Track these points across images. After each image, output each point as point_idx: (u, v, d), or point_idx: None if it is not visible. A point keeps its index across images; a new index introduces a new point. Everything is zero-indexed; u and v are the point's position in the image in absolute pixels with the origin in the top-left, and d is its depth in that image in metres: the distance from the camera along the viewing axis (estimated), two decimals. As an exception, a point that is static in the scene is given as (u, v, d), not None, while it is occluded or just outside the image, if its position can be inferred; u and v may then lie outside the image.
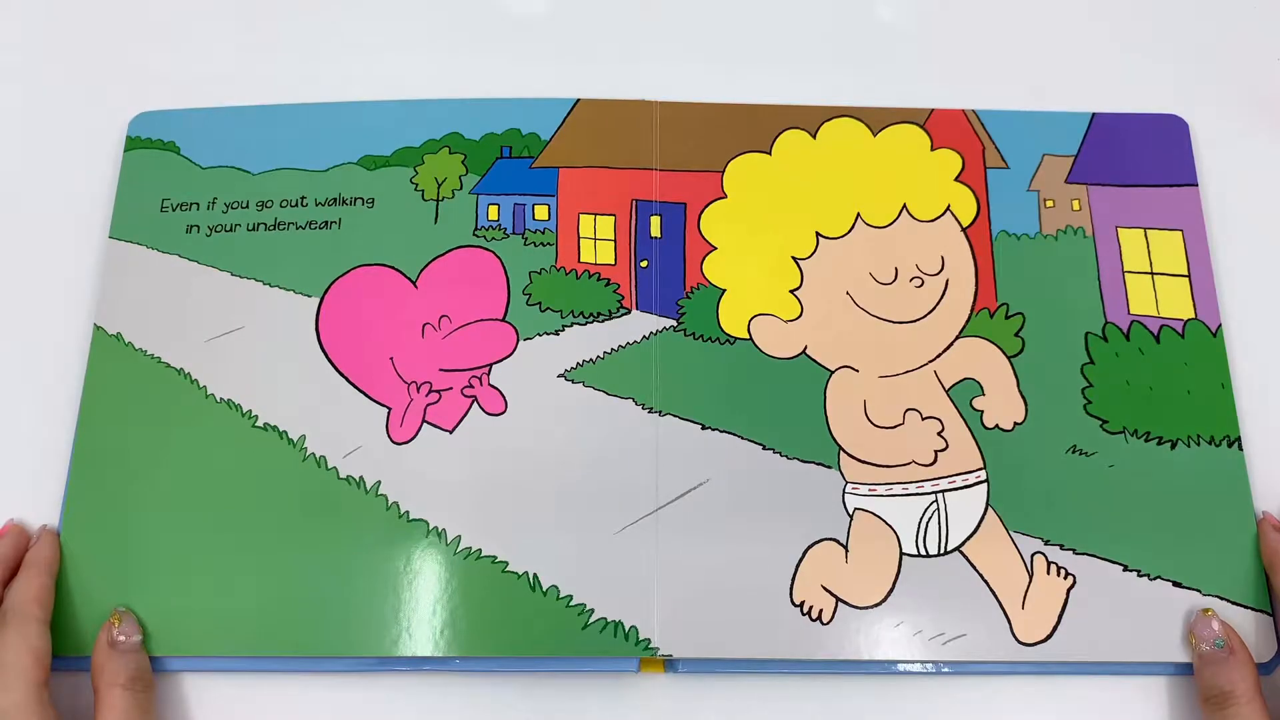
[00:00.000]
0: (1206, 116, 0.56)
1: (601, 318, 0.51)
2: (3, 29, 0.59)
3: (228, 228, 0.52)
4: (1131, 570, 0.47)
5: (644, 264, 0.52)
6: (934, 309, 0.51)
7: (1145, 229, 0.53)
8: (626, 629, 0.46)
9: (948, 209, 0.53)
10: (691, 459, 0.48)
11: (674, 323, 0.51)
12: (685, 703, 0.47)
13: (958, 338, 0.51)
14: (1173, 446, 0.49)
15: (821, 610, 0.46)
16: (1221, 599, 0.46)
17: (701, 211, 0.53)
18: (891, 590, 0.47)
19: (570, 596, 0.46)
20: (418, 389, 0.50)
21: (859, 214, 0.53)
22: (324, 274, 0.52)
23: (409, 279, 0.51)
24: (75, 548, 0.47)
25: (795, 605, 0.46)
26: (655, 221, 0.53)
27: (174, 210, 0.53)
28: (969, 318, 0.51)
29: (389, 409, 0.49)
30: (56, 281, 0.53)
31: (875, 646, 0.46)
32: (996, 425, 0.50)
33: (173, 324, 0.51)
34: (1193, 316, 0.51)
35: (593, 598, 0.46)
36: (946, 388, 0.50)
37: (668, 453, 0.49)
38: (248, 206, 0.53)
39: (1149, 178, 0.54)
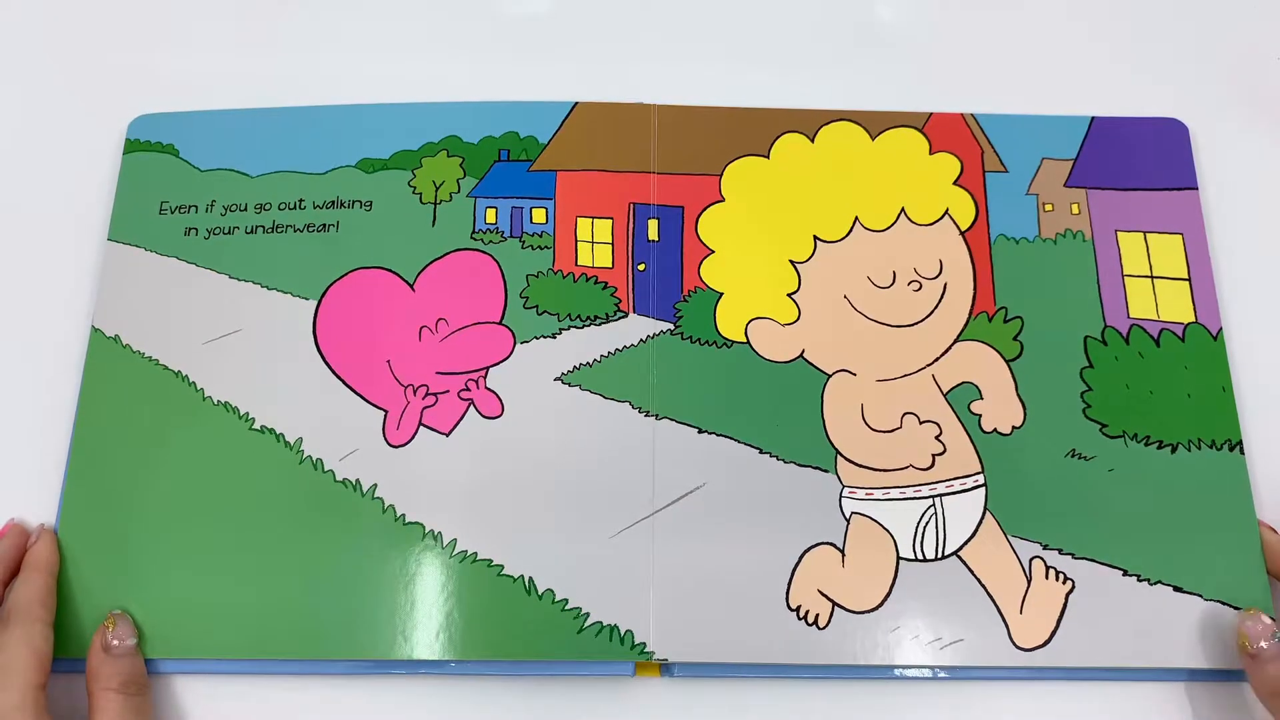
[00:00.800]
0: (1207, 119, 0.56)
1: (598, 321, 0.51)
2: (3, 31, 0.59)
3: (226, 230, 0.53)
4: (1131, 575, 0.47)
5: (641, 267, 0.52)
6: (932, 312, 0.51)
7: (1145, 232, 0.53)
8: (622, 633, 0.46)
9: (946, 213, 0.53)
10: (688, 462, 0.48)
11: (671, 326, 0.51)
12: (681, 707, 0.47)
13: (956, 341, 0.51)
14: (1173, 450, 0.49)
15: (818, 615, 0.46)
16: (1223, 604, 0.46)
17: (699, 215, 0.53)
18: (888, 595, 0.47)
19: (566, 600, 0.46)
20: (414, 392, 0.50)
21: (857, 218, 0.53)
22: (322, 277, 0.52)
23: (406, 282, 0.52)
24: (72, 549, 0.47)
25: (791, 610, 0.46)
26: (653, 225, 0.53)
27: (172, 213, 0.53)
28: (967, 321, 0.51)
29: (386, 412, 0.49)
30: (55, 283, 0.53)
31: (872, 651, 0.46)
32: (995, 429, 0.49)
33: (171, 326, 0.51)
34: (1193, 320, 0.51)
35: (588, 601, 0.46)
36: (944, 391, 0.50)
37: (664, 456, 0.48)
38: (246, 209, 0.53)
39: (1148, 181, 0.54)
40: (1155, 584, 0.47)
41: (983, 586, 0.47)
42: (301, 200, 0.53)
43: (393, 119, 0.54)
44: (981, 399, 0.50)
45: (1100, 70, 0.58)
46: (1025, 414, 0.50)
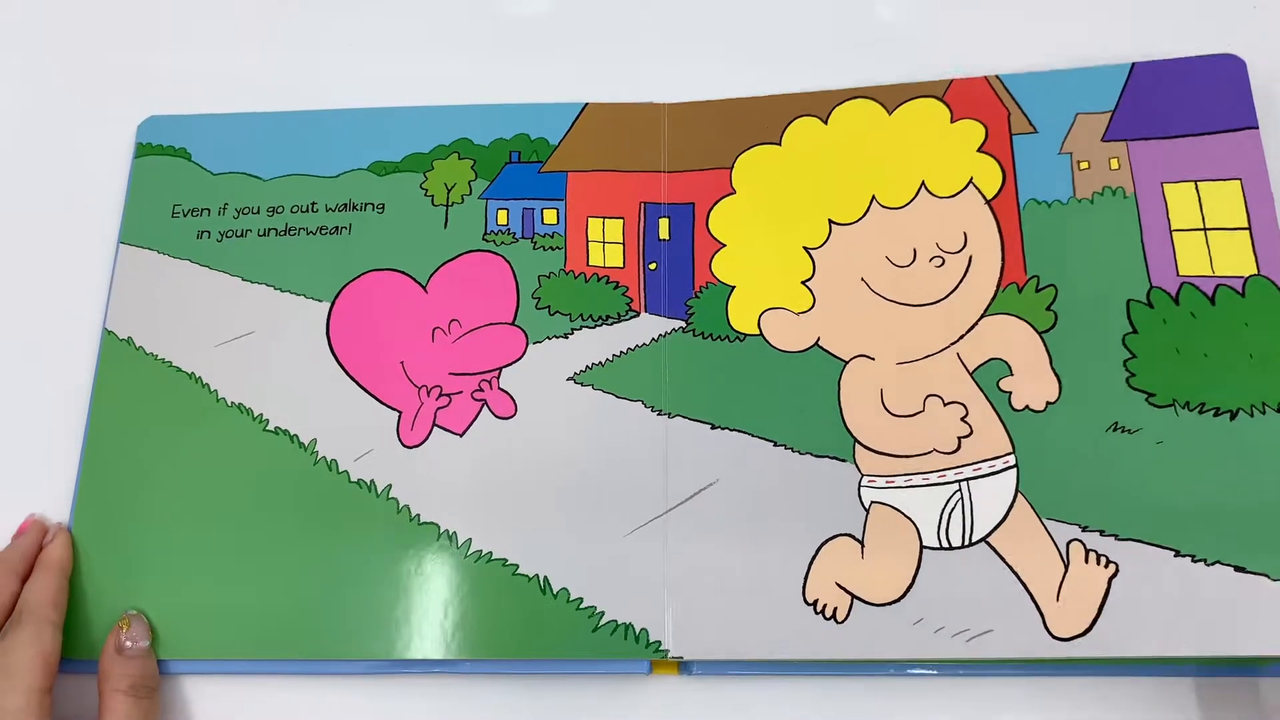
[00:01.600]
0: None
1: (610, 321, 0.51)
2: (13, 33, 0.61)
3: (239, 233, 0.53)
4: (1184, 556, 0.43)
5: (653, 266, 0.51)
6: (956, 288, 0.48)
7: (1196, 181, 0.48)
8: (637, 631, 0.45)
9: (970, 182, 0.50)
10: (701, 459, 0.47)
11: (683, 324, 0.50)
12: (700, 705, 0.46)
13: (983, 316, 0.48)
14: (1232, 417, 0.45)
15: (836, 608, 0.44)
16: None
17: (710, 210, 0.52)
18: (910, 586, 0.44)
19: (581, 599, 0.46)
20: (428, 393, 0.50)
21: (874, 196, 0.51)
22: (335, 279, 0.52)
23: (419, 283, 0.52)
24: (85, 551, 0.48)
25: (808, 604, 0.44)
26: (664, 224, 0.52)
27: (185, 216, 0.54)
28: (995, 294, 0.48)
29: (399, 412, 0.49)
30: (67, 286, 0.54)
31: (893, 645, 0.44)
32: (1026, 406, 0.46)
33: (183, 328, 0.52)
34: (1255, 272, 0.46)
35: (603, 600, 0.46)
36: (971, 370, 0.47)
37: (677, 454, 0.48)
38: (258, 212, 0.54)
39: (1200, 125, 0.49)
40: (1213, 564, 0.42)
41: (1015, 574, 0.44)
42: (314, 203, 0.53)
43: (404, 122, 0.55)
44: (1011, 375, 0.47)
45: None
46: (1060, 388, 0.46)
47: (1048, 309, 0.48)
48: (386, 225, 0.53)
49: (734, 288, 0.50)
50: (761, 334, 0.49)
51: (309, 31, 0.60)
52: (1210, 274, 0.47)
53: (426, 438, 0.49)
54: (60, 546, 0.47)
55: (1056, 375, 0.47)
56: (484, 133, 0.54)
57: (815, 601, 0.45)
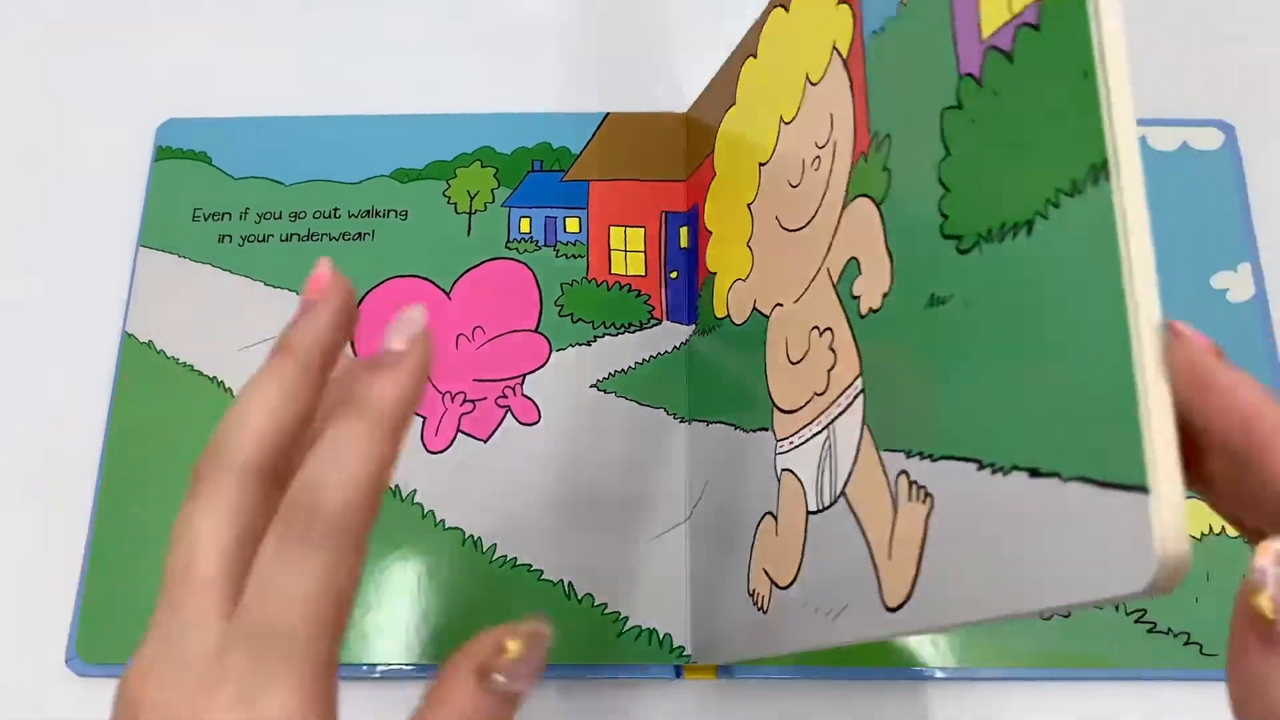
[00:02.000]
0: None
1: (632, 328, 0.51)
2: (26, 35, 0.59)
3: (260, 238, 0.53)
4: (986, 467, 0.27)
5: (674, 275, 0.52)
6: (827, 190, 0.37)
7: None
8: (661, 636, 0.46)
9: (834, 50, 0.37)
10: (704, 461, 0.47)
11: (694, 327, 0.51)
12: (731, 710, 0.46)
13: (843, 211, 0.36)
14: (1029, 230, 0.26)
15: (763, 597, 0.39)
16: (1086, 481, 0.23)
17: (706, 203, 0.51)
18: (801, 561, 0.36)
19: (605, 605, 0.46)
20: (452, 399, 0.50)
21: (780, 117, 0.41)
22: (358, 284, 0.50)
23: (442, 290, 0.52)
24: (105, 558, 0.47)
25: (749, 595, 0.40)
26: (684, 232, 0.53)
27: (206, 220, 0.53)
28: (849, 178, 0.36)
29: (424, 418, 0.50)
30: (86, 289, 0.52)
31: (791, 634, 0.37)
32: (870, 308, 0.33)
33: (205, 332, 0.51)
34: None
35: (627, 606, 0.46)
36: (835, 282, 0.36)
37: (692, 458, 0.48)
38: (280, 217, 0.53)
39: None
40: (1009, 472, 0.26)
41: (860, 530, 0.33)
42: (336, 209, 0.53)
43: (426, 129, 0.55)
44: (860, 273, 0.35)
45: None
46: (892, 270, 0.32)
47: (884, 168, 0.34)
48: (410, 232, 0.53)
49: (715, 274, 0.48)
50: (729, 314, 0.46)
51: (327, 37, 0.58)
52: (1009, 18, 0.27)
53: (451, 443, 0.49)
54: (421, 346, 0.28)
55: (890, 254, 0.33)
56: (506, 141, 0.55)
57: (754, 592, 0.40)
